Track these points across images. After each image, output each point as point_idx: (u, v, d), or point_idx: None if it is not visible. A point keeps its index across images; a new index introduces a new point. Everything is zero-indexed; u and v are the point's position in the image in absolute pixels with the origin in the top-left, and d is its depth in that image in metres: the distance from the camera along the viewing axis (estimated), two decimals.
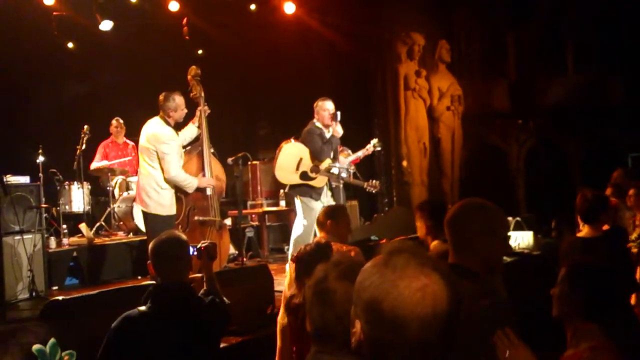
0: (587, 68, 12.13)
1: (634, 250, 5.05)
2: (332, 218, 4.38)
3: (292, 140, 6.96)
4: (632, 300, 4.92)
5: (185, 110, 6.13)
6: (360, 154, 7.18)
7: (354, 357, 1.44)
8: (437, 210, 4.13)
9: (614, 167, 7.66)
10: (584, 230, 4.66)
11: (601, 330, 2.43)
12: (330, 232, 4.32)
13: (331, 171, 6.72)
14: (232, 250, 7.60)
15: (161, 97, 6.03)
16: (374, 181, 7.01)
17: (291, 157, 6.74)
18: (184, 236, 3.28)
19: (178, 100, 6.05)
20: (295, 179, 6.67)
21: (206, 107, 6.37)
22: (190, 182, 6.13)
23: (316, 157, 6.67)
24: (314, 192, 6.67)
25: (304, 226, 6.63)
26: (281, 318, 3.59)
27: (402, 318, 1.28)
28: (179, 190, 6.14)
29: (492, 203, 2.50)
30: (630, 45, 11.34)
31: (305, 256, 3.30)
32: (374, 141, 7.20)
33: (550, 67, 12.41)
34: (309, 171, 6.65)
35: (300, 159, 6.71)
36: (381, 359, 1.33)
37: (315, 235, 6.76)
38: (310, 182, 6.68)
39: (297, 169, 6.68)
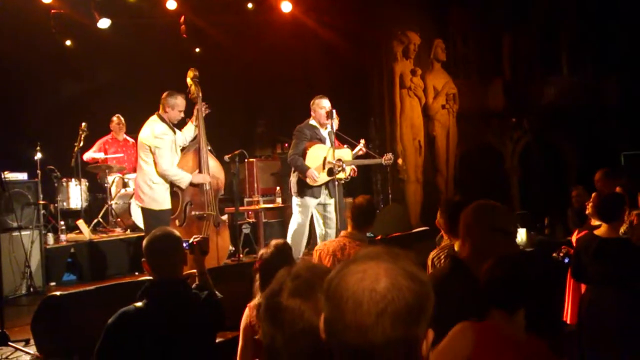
0: (581, 68, 12.19)
1: None
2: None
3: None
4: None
5: (182, 114, 6.22)
6: (367, 161, 7.22)
7: None
8: (452, 209, 4.26)
9: (607, 166, 7.70)
10: (601, 229, 4.49)
11: (500, 319, 2.40)
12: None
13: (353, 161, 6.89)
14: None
15: (165, 93, 6.14)
16: (388, 154, 7.14)
17: (316, 159, 6.80)
18: (176, 232, 3.27)
19: (179, 101, 6.15)
20: (325, 177, 6.76)
21: (205, 106, 6.43)
22: (182, 178, 6.21)
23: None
24: (312, 190, 6.76)
25: (299, 223, 6.74)
26: (246, 317, 3.42)
27: (340, 294, 1.29)
28: (175, 185, 6.22)
29: (500, 204, 2.67)
30: (625, 45, 11.40)
31: (265, 264, 3.24)
32: (388, 155, 7.16)
33: (545, 67, 12.47)
34: (335, 167, 6.73)
35: (325, 158, 6.79)
36: (330, 345, 1.34)
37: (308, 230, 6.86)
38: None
39: (324, 167, 6.77)
